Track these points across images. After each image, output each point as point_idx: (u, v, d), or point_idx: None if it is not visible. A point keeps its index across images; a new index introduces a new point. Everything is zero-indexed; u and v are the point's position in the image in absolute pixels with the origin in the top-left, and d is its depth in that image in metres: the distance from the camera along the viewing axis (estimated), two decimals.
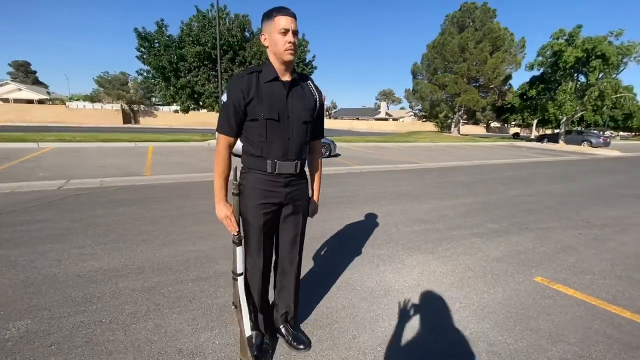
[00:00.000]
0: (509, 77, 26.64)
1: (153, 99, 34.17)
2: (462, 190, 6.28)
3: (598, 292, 2.45)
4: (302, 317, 2.02)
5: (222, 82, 12.98)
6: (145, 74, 14.99)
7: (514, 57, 25.08)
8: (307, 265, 2.77)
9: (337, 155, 11.06)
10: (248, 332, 1.57)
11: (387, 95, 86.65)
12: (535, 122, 37.54)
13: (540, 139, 26.17)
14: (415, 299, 2.28)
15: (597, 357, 1.74)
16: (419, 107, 31.99)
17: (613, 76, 19.83)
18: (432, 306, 2.21)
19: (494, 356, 1.73)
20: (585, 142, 22.90)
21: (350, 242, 3.37)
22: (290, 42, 1.34)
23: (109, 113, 32.93)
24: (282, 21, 1.33)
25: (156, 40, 14.11)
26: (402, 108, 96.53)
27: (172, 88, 14.56)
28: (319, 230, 3.63)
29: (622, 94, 21.17)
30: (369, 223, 4.02)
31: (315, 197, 1.76)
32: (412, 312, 2.14)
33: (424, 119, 34.11)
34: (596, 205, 5.40)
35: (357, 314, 2.09)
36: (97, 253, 2.78)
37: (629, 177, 9.17)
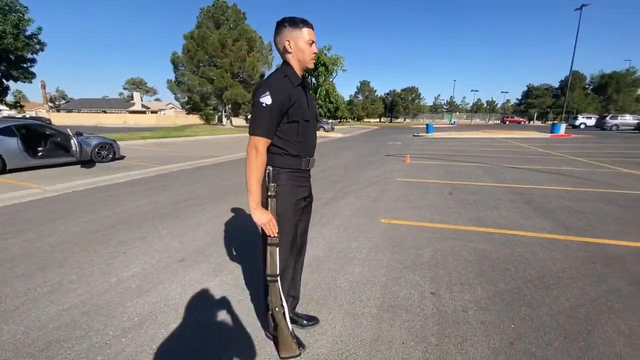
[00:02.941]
0: (263, 75, 30.82)
1: None
2: None
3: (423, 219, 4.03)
4: None
5: None
6: None
7: (266, 57, 29.28)
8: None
9: (122, 157, 9.26)
10: (290, 327, 1.64)
11: (138, 85, 76.12)
12: None
13: None
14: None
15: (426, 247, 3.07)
16: (185, 99, 30.91)
17: (330, 80, 27.72)
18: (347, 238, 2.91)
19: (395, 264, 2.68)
20: (321, 128, 30.89)
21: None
22: (315, 52, 1.51)
23: None
24: (310, 33, 1.48)
25: None
26: (158, 99, 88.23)
27: None
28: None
29: (336, 93, 30.13)
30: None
31: None
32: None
33: (193, 112, 33.29)
34: (362, 170, 7.97)
35: None
36: None
37: (363, 150, 13.62)
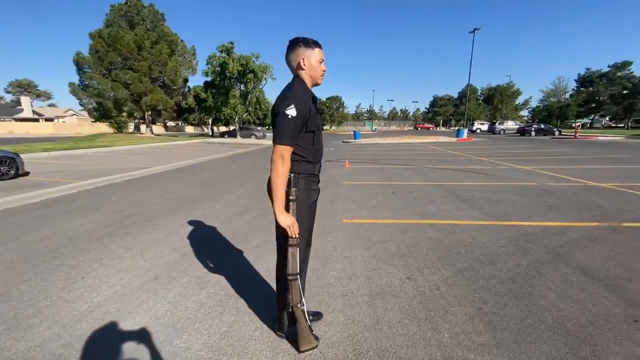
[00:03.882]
0: (187, 79, 29.08)
1: None
2: (233, 182, 7.11)
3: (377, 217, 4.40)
4: None
5: None
6: None
7: (190, 62, 27.70)
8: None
9: (26, 173, 7.88)
10: (308, 322, 1.77)
11: (25, 88, 64.18)
12: (210, 121, 43.87)
13: (222, 135, 31.28)
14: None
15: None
16: (93, 105, 27.25)
17: (260, 87, 27.60)
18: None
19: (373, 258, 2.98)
20: (253, 136, 30.42)
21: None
22: (324, 70, 1.70)
23: None
24: (320, 53, 1.66)
25: None
26: (53, 105, 75.77)
27: None
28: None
29: (267, 100, 30.08)
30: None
31: None
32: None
33: (102, 120, 29.48)
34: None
35: None
36: None
37: None
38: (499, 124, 39.69)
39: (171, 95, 28.57)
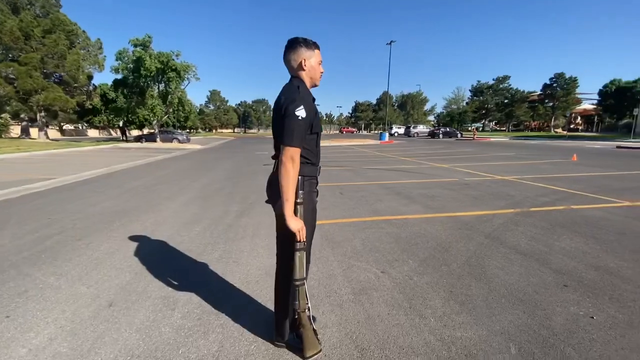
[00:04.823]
0: (91, 76, 25.35)
1: None
2: (169, 191, 6.45)
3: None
4: None
5: None
6: None
7: (96, 57, 24.17)
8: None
9: None
10: (313, 326, 1.75)
11: None
12: (121, 123, 39.11)
13: (138, 139, 28.11)
14: None
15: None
16: None
17: (182, 87, 25.63)
18: None
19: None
20: (175, 140, 28.07)
21: None
22: (322, 72, 1.70)
23: None
24: (319, 54, 1.66)
25: None
26: None
27: None
28: None
29: (189, 101, 28.06)
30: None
31: None
32: None
33: None
34: (251, 180, 7.99)
35: None
36: None
37: (237, 161, 13.33)
38: (413, 127, 44.24)
39: (72, 94, 24.53)
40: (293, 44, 1.60)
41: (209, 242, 3.58)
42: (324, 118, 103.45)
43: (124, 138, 29.32)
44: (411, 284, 2.58)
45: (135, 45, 22.41)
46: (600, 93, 46.03)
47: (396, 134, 45.50)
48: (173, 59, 22.78)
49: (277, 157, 1.69)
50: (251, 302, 2.34)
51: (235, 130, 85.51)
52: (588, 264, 2.89)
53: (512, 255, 3.12)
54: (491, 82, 60.13)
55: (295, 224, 1.53)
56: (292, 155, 1.48)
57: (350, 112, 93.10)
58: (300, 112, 1.47)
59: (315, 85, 1.71)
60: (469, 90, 65.41)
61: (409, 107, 77.39)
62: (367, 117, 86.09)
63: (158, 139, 26.34)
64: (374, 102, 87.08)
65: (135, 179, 8.35)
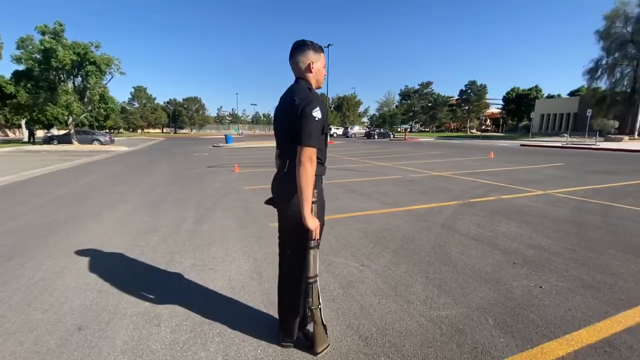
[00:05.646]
0: None
1: None
2: (107, 198, 5.75)
3: None
4: None
5: None
6: None
7: None
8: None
9: None
10: (324, 322, 1.81)
11: None
12: (23, 122, 33.35)
13: (49, 140, 24.26)
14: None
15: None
16: None
17: (103, 83, 22.82)
18: None
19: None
20: (96, 141, 24.92)
21: None
22: (325, 75, 1.76)
23: None
24: (324, 58, 1.71)
25: None
26: None
27: None
28: None
29: (112, 98, 25.13)
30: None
31: None
32: None
33: None
34: (198, 184, 7.56)
35: None
36: None
37: (176, 164, 12.38)
38: (351, 129, 46.16)
39: None
40: (301, 47, 1.63)
41: (175, 251, 3.34)
42: (262, 118, 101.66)
43: (31, 140, 25.05)
44: (390, 273, 2.78)
45: (43, 33, 19.29)
46: (504, 99, 53.75)
47: (335, 135, 46.98)
48: (91, 51, 20.19)
49: (283, 156, 1.70)
50: (244, 308, 2.28)
51: (165, 130, 79.13)
52: (526, 244, 3.43)
53: (467, 241, 3.54)
54: (417, 87, 65.81)
55: (313, 223, 1.57)
56: (311, 156, 1.52)
57: None
58: (317, 113, 1.51)
59: (319, 87, 1.76)
60: (398, 94, 70.65)
61: (344, 108, 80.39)
62: None
63: (75, 141, 23.08)
64: None
65: (58, 186, 7.26)
